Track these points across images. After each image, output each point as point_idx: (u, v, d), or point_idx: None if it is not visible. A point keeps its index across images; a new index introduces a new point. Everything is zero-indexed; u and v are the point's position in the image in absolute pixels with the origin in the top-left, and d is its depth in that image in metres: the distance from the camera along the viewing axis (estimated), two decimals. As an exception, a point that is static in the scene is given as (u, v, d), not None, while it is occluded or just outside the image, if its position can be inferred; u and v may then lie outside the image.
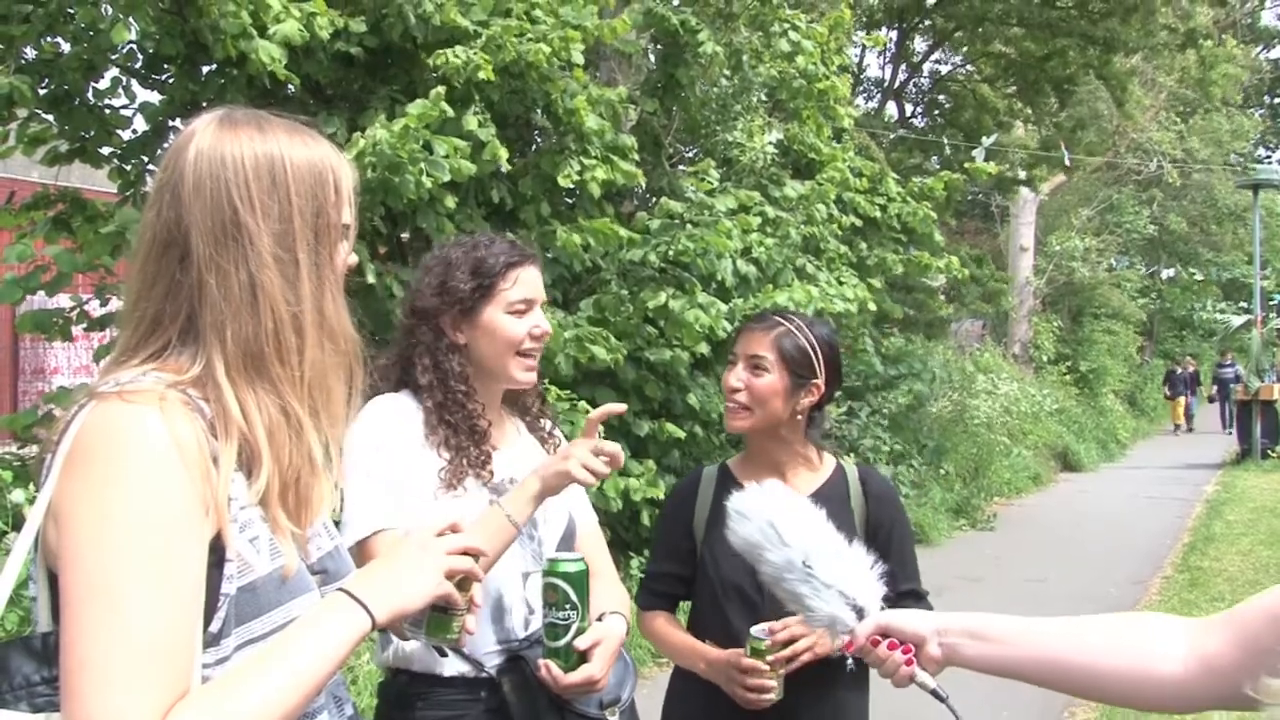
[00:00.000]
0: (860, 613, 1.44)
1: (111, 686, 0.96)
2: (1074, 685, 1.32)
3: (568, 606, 1.70)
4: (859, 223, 8.26)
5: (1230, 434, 19.40)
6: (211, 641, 1.07)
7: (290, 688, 1.05)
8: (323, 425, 1.17)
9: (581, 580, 1.71)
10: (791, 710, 1.96)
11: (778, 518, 1.50)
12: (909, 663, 1.39)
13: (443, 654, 1.77)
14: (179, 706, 0.99)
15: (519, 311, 1.87)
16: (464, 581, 1.24)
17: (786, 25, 7.55)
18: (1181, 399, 23.16)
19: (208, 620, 1.06)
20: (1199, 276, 28.35)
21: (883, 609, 1.45)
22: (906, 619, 1.42)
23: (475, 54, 5.06)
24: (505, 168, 5.21)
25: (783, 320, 2.12)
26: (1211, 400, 24.30)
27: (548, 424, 2.05)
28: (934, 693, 1.41)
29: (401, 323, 1.94)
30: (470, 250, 1.90)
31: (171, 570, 1.01)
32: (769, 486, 1.59)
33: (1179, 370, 23.68)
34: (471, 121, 5.05)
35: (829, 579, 1.45)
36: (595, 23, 5.69)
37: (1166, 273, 29.92)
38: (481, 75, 5.02)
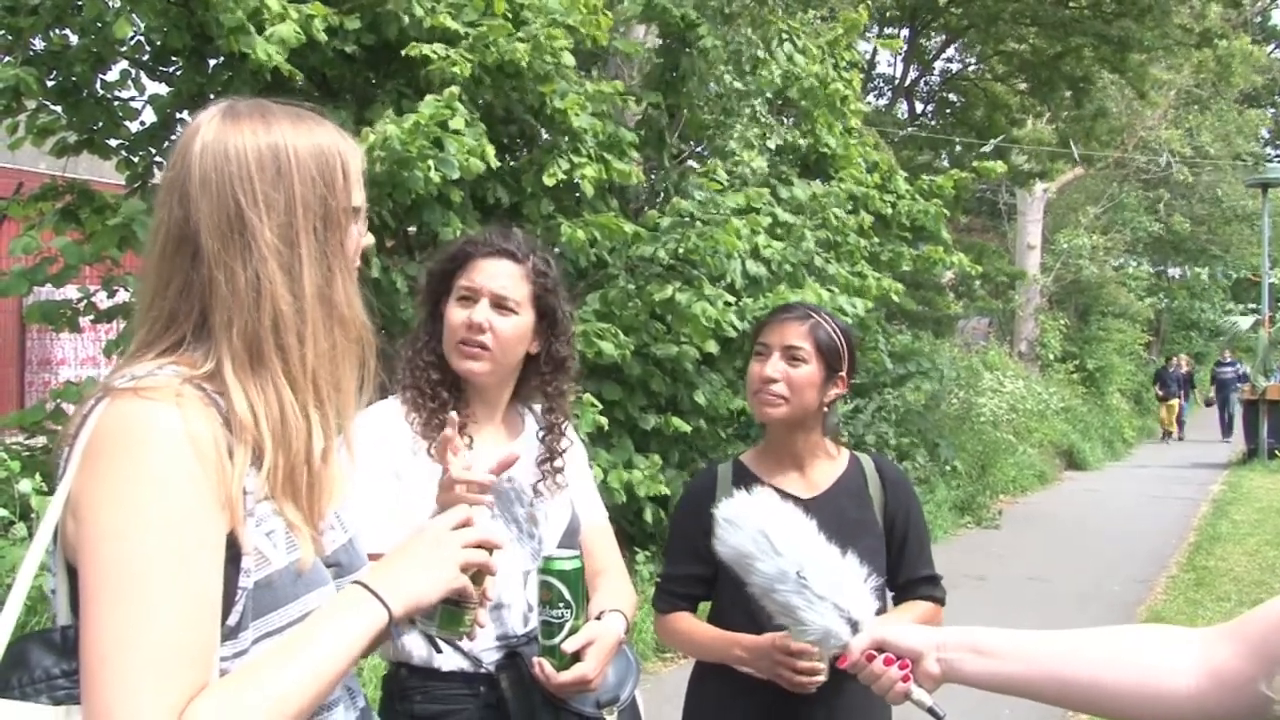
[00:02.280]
0: (855, 626, 1.41)
1: (132, 680, 0.97)
2: (1080, 702, 1.29)
3: (561, 605, 1.68)
4: (870, 219, 8.26)
5: (1228, 442, 18.31)
6: (229, 635, 1.08)
7: (309, 680, 1.06)
8: (329, 416, 1.16)
9: (576, 578, 1.69)
10: (824, 699, 1.94)
11: (770, 526, 1.47)
12: (905, 679, 1.35)
13: (438, 649, 1.77)
14: (199, 699, 1.00)
15: (464, 301, 1.87)
16: (477, 575, 1.24)
17: (785, 36, 7.51)
18: (1175, 401, 20.76)
19: (225, 614, 1.07)
20: (1204, 276, 28.05)
21: (877, 616, 1.43)
22: (903, 633, 1.38)
23: (455, 53, 5.04)
24: (493, 164, 5.18)
25: (813, 312, 2.12)
26: (1209, 404, 21.72)
27: (565, 444, 2.01)
28: (931, 710, 1.37)
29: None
30: (467, 240, 1.96)
31: (190, 565, 1.02)
32: (759, 494, 1.57)
33: (1172, 368, 21.23)
34: (459, 122, 5.04)
35: (823, 590, 1.42)
36: (580, 17, 5.65)
37: (1174, 271, 29.75)
38: (455, 70, 4.99)
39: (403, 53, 5.08)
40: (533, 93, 5.62)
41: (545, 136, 6.12)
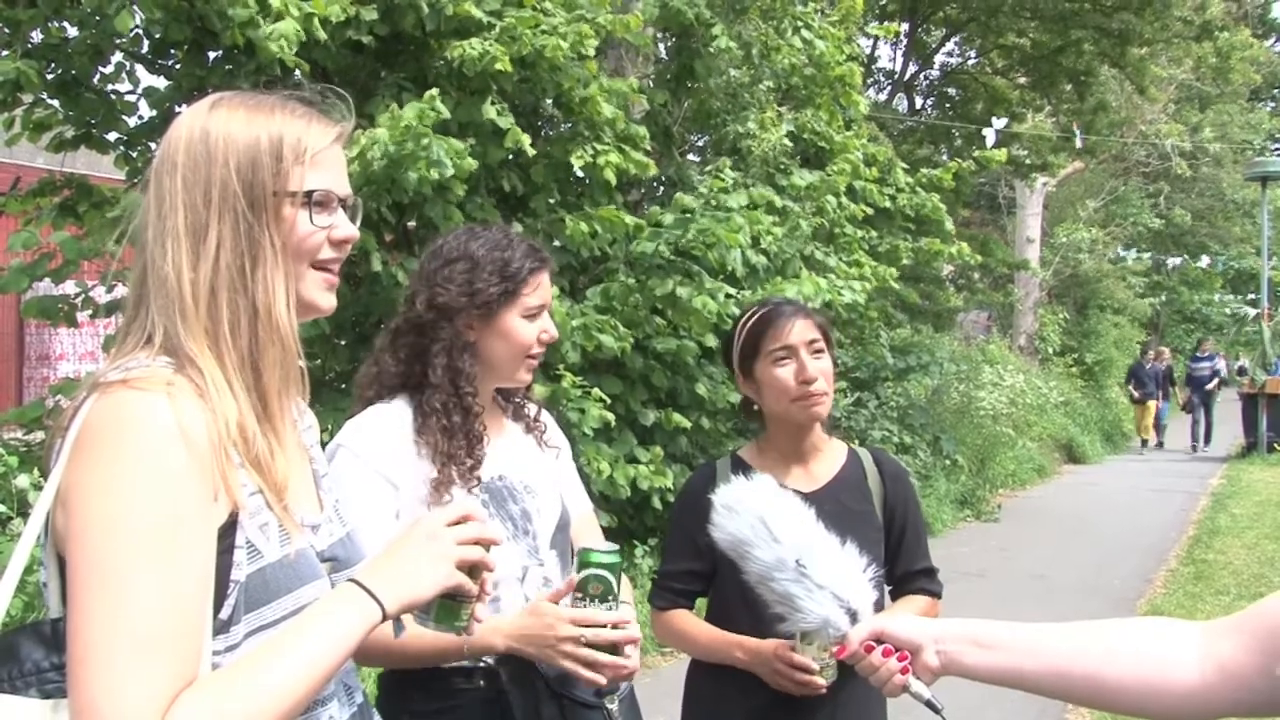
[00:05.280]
0: (854, 616, 1.38)
1: (116, 673, 0.96)
2: (1083, 696, 1.26)
3: (610, 598, 1.65)
4: (870, 211, 8.25)
5: (1195, 448, 16.43)
6: (221, 629, 1.07)
7: (299, 677, 1.05)
8: (249, 396, 1.14)
9: (619, 569, 1.68)
10: (829, 701, 1.93)
11: (769, 514, 1.44)
12: (904, 671, 1.33)
13: None
14: (186, 693, 0.99)
15: (533, 316, 1.87)
16: (474, 570, 1.23)
17: (800, 23, 7.54)
18: (1153, 402, 17.35)
19: (217, 607, 1.07)
20: (1204, 264, 27.84)
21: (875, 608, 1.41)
22: (903, 625, 1.35)
23: (491, 45, 5.06)
24: (530, 152, 5.22)
25: (798, 305, 2.13)
26: (1185, 408, 17.76)
27: (533, 409, 2.03)
28: (929, 704, 1.35)
29: (417, 317, 1.86)
30: (494, 249, 1.86)
31: (178, 556, 1.01)
32: (758, 481, 1.54)
33: (1148, 364, 17.89)
34: (490, 111, 5.06)
35: (822, 579, 1.39)
36: (609, 18, 5.69)
37: (1172, 261, 29.64)
38: (498, 67, 5.02)
39: (447, 55, 5.11)
40: (548, 82, 5.64)
41: (548, 129, 6.14)
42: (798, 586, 1.40)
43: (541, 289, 1.89)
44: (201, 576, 1.04)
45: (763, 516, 1.44)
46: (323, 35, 4.73)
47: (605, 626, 1.64)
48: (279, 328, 1.16)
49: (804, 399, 2.04)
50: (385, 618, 1.13)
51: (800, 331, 2.05)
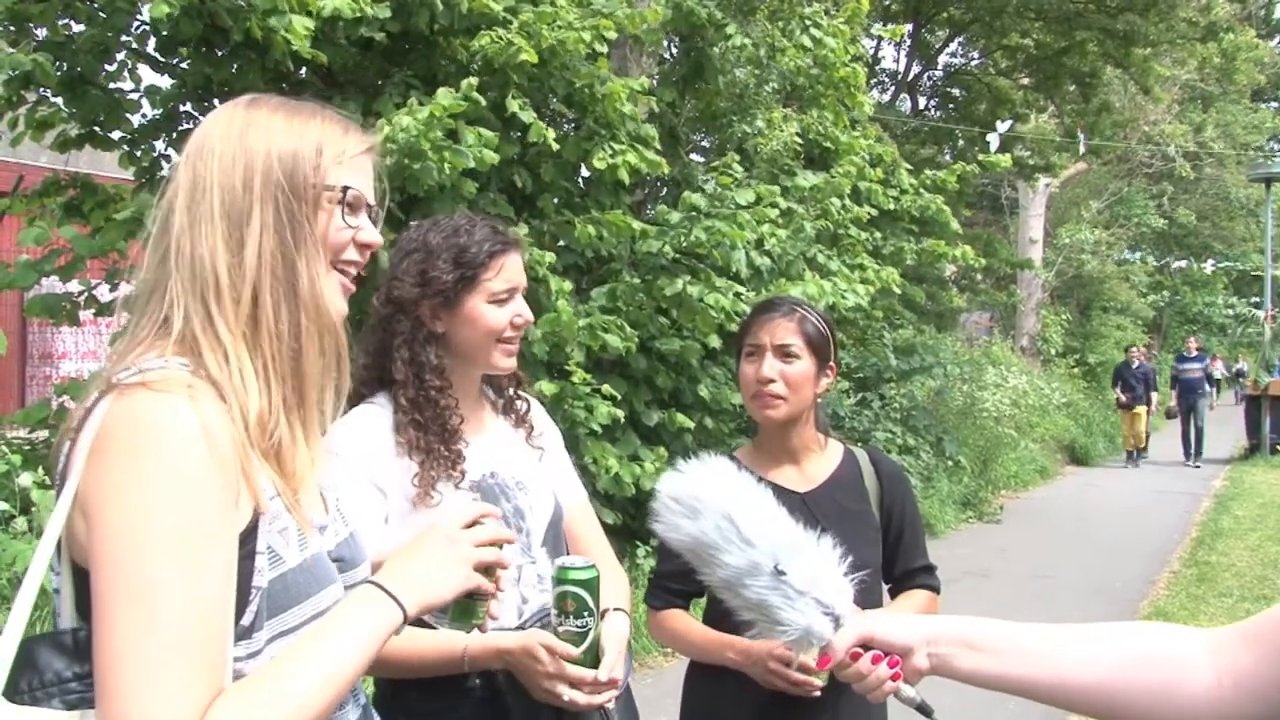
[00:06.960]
0: (837, 621, 1.26)
1: (147, 685, 0.95)
2: (1088, 706, 1.17)
3: (585, 614, 1.65)
4: (874, 212, 8.25)
5: (1196, 467, 14.78)
6: (243, 635, 1.06)
7: (324, 682, 1.05)
8: (282, 386, 1.13)
9: (595, 586, 1.66)
10: (830, 700, 1.92)
11: (737, 511, 1.30)
12: (895, 678, 1.22)
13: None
14: (218, 703, 0.98)
15: (501, 300, 1.83)
16: (489, 569, 1.25)
17: (809, 23, 7.54)
18: (1142, 408, 15.20)
19: (239, 613, 1.06)
20: (1209, 269, 27.76)
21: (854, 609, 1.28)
22: (892, 627, 1.24)
23: (515, 37, 5.06)
24: (555, 147, 5.20)
25: (796, 306, 2.11)
26: (1170, 415, 16.23)
27: (523, 405, 2.00)
28: (920, 707, 1.26)
29: (377, 312, 1.86)
30: (451, 236, 1.83)
31: (204, 564, 1.00)
32: (714, 465, 1.38)
33: (1135, 364, 15.74)
34: (514, 105, 5.06)
35: (803, 584, 1.26)
36: (626, 12, 5.69)
37: (1178, 264, 29.59)
38: (523, 58, 5.03)
39: (475, 42, 5.12)
40: (558, 79, 5.63)
41: (570, 122, 6.16)
42: (775, 595, 1.26)
43: (506, 271, 1.83)
44: (224, 581, 1.03)
45: (730, 514, 1.29)
46: (370, 11, 4.69)
47: (589, 681, 1.67)
48: (323, 316, 1.15)
49: (757, 398, 2.06)
50: (406, 620, 1.14)
51: (773, 332, 2.05)
